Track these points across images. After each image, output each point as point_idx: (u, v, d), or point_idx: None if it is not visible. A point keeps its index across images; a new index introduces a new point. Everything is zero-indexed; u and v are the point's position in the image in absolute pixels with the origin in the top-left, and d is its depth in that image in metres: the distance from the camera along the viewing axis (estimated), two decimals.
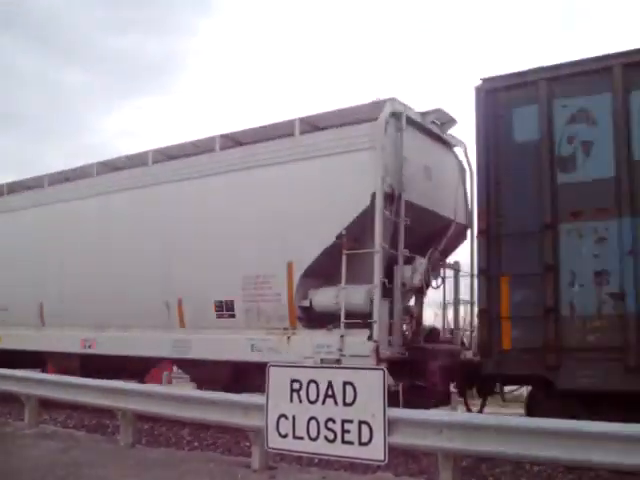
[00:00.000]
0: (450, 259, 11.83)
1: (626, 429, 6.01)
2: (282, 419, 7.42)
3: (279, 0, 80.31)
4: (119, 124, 79.23)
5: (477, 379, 9.59)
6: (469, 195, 11.69)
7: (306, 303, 10.25)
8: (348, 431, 6.98)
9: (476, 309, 10.21)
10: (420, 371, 9.56)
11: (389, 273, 9.76)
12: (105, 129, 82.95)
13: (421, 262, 10.06)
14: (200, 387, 11.16)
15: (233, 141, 11.84)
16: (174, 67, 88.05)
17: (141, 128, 76.67)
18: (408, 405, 8.25)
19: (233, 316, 10.93)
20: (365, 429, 6.89)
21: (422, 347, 10.24)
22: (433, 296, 11.61)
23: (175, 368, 13.45)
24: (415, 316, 10.52)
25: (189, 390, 9.94)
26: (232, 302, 10.93)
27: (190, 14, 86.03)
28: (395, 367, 8.92)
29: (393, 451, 7.18)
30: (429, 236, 10.91)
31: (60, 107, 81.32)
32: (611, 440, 5.98)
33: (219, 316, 11.11)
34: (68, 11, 76.27)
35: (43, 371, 14.12)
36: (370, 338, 9.26)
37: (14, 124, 75.89)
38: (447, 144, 11.63)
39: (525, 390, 9.94)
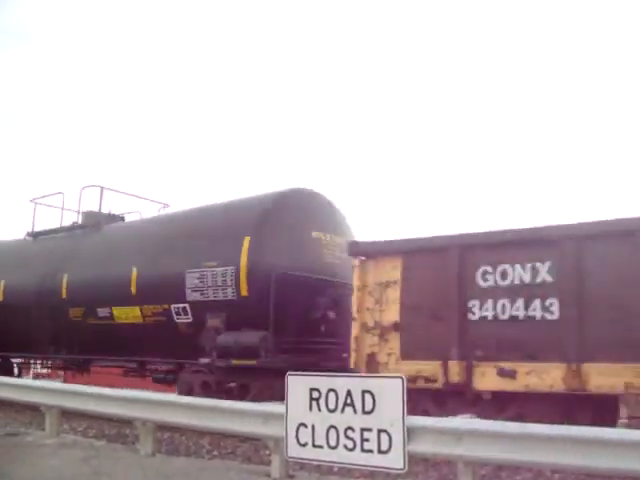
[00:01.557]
0: None
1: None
2: (301, 428, 7.44)
3: None
4: None
5: None
6: None
7: None
8: (367, 439, 6.99)
9: None
10: None
11: None
12: None
13: None
14: None
15: None
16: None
17: None
18: None
19: None
20: (384, 437, 6.89)
21: None
22: None
23: None
24: None
25: (210, 400, 9.96)
26: None
27: None
28: None
29: (412, 459, 7.18)
30: None
31: None
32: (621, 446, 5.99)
33: None
34: None
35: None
36: None
37: None
38: None
39: None
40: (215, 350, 12.02)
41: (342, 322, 11.35)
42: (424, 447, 7.00)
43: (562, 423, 7.19)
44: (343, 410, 7.18)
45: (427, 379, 9.48)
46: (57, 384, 11.69)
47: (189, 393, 11.97)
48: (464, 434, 6.81)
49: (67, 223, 17.84)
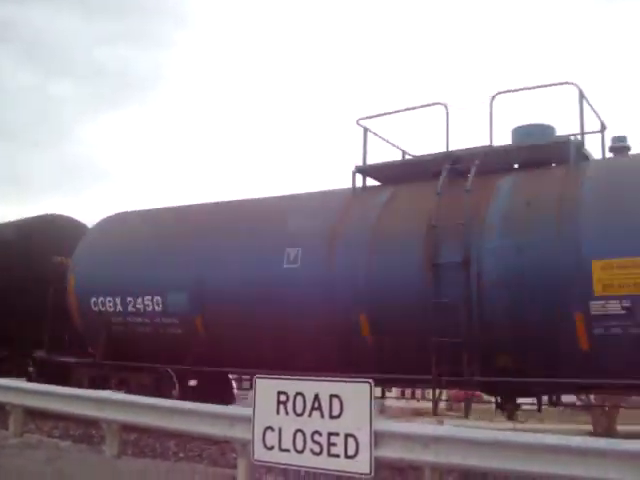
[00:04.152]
0: None
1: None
2: (268, 431, 7.37)
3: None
4: (102, 135, 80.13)
5: None
6: None
7: None
8: (334, 444, 6.93)
9: None
10: None
11: None
12: (88, 139, 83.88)
13: None
14: None
15: None
16: (153, 78, 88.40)
17: (122, 139, 77.59)
18: None
19: None
20: (351, 442, 6.84)
21: None
22: None
23: None
24: None
25: (175, 401, 9.87)
26: None
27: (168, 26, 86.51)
28: None
29: (379, 464, 7.15)
30: None
31: (46, 118, 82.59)
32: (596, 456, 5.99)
33: None
34: (54, 26, 76.82)
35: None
36: None
37: (3, 136, 77.20)
38: None
39: None
40: None
41: None
42: (391, 452, 6.99)
43: None
44: (310, 414, 7.12)
45: None
46: (22, 383, 11.47)
47: None
48: (431, 440, 6.80)
49: None
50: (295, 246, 11.22)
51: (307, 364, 9.65)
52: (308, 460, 7.12)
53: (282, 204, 12.82)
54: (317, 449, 7.03)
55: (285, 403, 7.30)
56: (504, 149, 10.75)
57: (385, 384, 11.63)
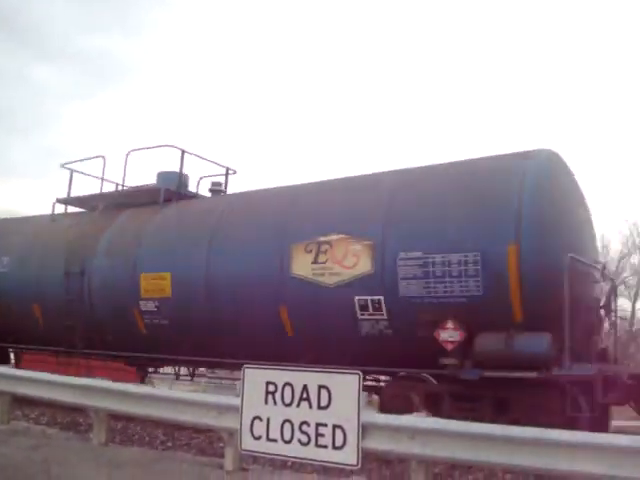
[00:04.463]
0: None
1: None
2: (256, 421, 7.40)
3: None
4: (82, 122, 79.44)
5: None
6: None
7: None
8: (322, 435, 6.97)
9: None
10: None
11: None
12: (68, 127, 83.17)
13: None
14: None
15: None
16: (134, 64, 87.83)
17: (102, 126, 77.02)
18: None
19: None
20: (339, 433, 6.88)
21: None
22: None
23: None
24: None
25: (164, 390, 9.87)
26: None
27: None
28: None
29: (367, 456, 7.18)
30: None
31: (27, 103, 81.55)
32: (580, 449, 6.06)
33: None
34: (35, 7, 75.88)
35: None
36: None
37: None
38: None
39: None
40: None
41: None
42: (378, 444, 7.02)
43: None
44: (299, 404, 7.15)
45: None
46: (9, 369, 11.43)
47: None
48: (417, 432, 6.83)
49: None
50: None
51: None
52: (296, 450, 7.15)
53: None
54: (305, 439, 7.07)
55: (274, 393, 7.32)
56: (130, 191, 14.93)
57: None
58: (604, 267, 10.64)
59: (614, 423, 10.16)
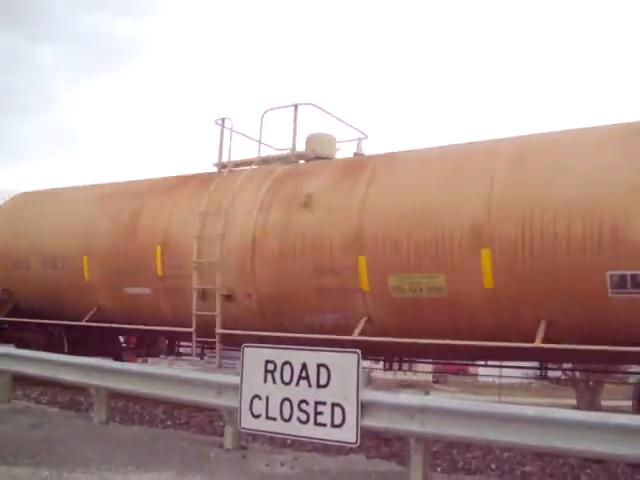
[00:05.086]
0: None
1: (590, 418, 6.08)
2: (256, 399, 7.44)
3: None
4: (86, 102, 78.99)
5: None
6: None
7: None
8: (321, 413, 7.01)
9: None
10: None
11: None
12: (72, 106, 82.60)
13: None
14: None
15: None
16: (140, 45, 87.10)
17: (106, 106, 76.47)
18: None
19: None
20: (338, 411, 6.92)
21: None
22: None
23: None
24: None
25: (164, 368, 9.91)
26: None
27: None
28: None
29: (366, 434, 7.22)
30: None
31: (30, 83, 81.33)
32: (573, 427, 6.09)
33: None
34: None
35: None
36: None
37: None
38: None
39: None
40: None
41: None
42: (377, 422, 7.05)
43: None
44: (298, 383, 7.19)
45: None
46: (9, 348, 11.45)
47: None
48: (417, 410, 6.86)
49: None
50: None
51: None
52: (295, 429, 7.20)
53: None
54: (304, 418, 7.11)
55: (273, 372, 7.36)
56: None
57: None
58: None
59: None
